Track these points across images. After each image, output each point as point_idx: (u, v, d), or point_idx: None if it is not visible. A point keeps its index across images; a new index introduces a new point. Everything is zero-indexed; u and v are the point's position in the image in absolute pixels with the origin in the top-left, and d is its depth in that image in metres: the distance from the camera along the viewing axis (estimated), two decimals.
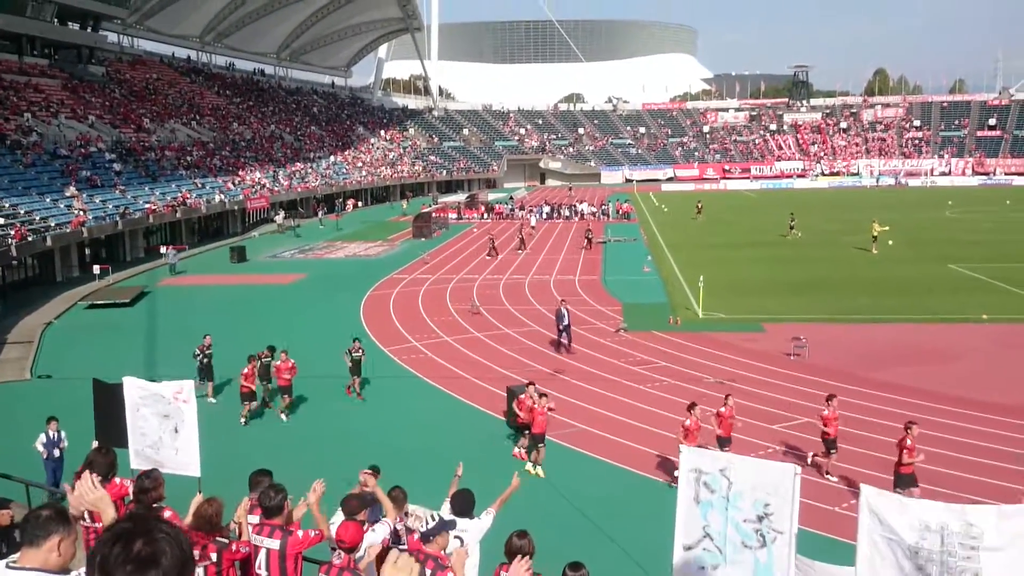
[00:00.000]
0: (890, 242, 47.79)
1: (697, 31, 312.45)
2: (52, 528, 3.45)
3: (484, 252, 50.12)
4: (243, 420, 20.28)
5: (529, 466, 17.00)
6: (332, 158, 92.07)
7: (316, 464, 16.94)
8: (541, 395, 17.53)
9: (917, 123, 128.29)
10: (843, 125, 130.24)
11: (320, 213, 71.26)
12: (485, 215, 74.10)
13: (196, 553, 7.00)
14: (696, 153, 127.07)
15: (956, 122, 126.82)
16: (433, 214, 66.11)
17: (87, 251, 46.83)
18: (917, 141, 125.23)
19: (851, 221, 61.17)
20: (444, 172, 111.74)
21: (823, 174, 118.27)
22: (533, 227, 61.68)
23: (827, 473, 16.57)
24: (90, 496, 4.05)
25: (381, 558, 7.39)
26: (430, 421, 20.36)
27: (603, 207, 74.02)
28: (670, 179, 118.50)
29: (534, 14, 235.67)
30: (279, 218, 65.92)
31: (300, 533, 7.24)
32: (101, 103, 65.43)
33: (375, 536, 7.85)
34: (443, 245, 55.00)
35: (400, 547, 8.04)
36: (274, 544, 7.17)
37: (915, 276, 39.05)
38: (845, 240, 51.90)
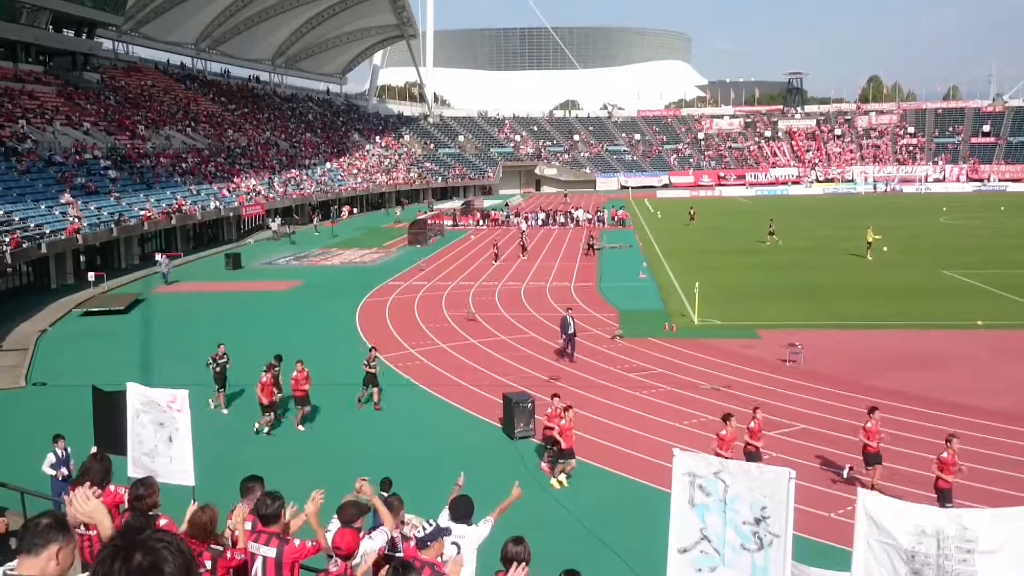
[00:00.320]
0: (885, 248, 47.94)
1: (692, 38, 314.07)
2: (51, 536, 3.44)
3: (482, 258, 50.17)
4: (257, 428, 19.97)
5: (554, 481, 16.72)
6: (327, 165, 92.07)
7: (312, 472, 16.91)
8: (566, 408, 17.16)
9: (911, 130, 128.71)
10: (837, 132, 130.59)
11: (315, 220, 71.25)
12: (481, 222, 74.20)
13: None
14: (691, 160, 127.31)
15: (950, 129, 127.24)
16: (428, 221, 66.11)
17: (82, 258, 46.71)
18: (911, 148, 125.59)
19: (846, 227, 61.32)
20: (439, 179, 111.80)
21: (818, 181, 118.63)
22: (524, 232, 61.64)
23: (872, 488, 15.16)
24: (86, 507, 4.05)
25: (378, 566, 7.39)
26: (426, 428, 20.33)
27: (598, 214, 74.09)
28: (665, 186, 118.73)
29: (529, 21, 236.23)
30: (275, 225, 65.88)
31: (297, 542, 7.23)
32: (96, 110, 65.38)
33: (372, 544, 7.83)
34: (439, 252, 55.00)
35: (396, 555, 8.03)
36: (270, 552, 7.14)
37: (910, 282, 39.14)
38: (840, 246, 52.01)
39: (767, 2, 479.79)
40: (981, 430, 18.83)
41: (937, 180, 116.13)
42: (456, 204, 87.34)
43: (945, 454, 14.31)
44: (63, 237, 42.24)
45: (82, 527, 7.59)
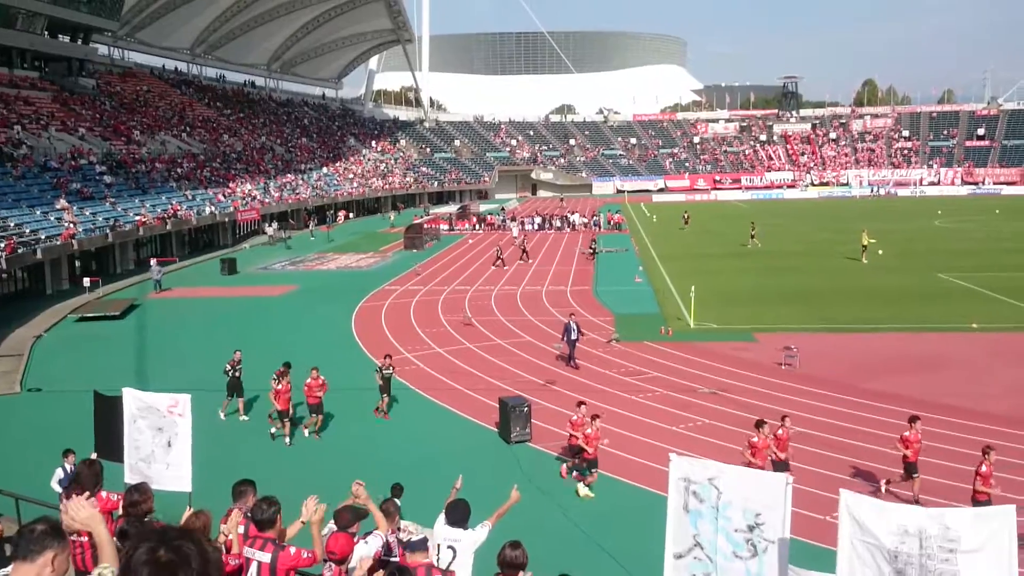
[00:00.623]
0: (880, 252, 48.04)
1: (687, 42, 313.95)
2: (47, 543, 3.44)
3: (478, 263, 50.22)
4: (273, 434, 19.88)
5: (583, 491, 16.44)
6: (323, 169, 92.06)
7: (306, 476, 16.89)
8: (593, 417, 16.88)
9: (906, 133, 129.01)
10: (832, 135, 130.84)
11: (311, 224, 71.22)
12: (477, 226, 74.24)
13: None
14: (687, 164, 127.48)
15: (945, 132, 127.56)
16: (425, 225, 66.11)
17: (77, 264, 46.66)
18: (906, 151, 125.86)
19: (841, 231, 61.44)
20: (435, 183, 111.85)
21: (813, 184, 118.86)
22: (516, 237, 61.78)
23: (916, 500, 15.07)
24: (81, 515, 4.04)
25: (373, 571, 7.38)
26: (422, 433, 20.31)
27: (594, 218, 74.16)
28: (661, 190, 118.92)
29: (525, 26, 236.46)
30: (270, 230, 65.84)
31: (293, 550, 7.20)
32: (91, 115, 65.32)
33: (367, 548, 7.82)
34: (434, 256, 55.00)
35: (392, 559, 8.02)
36: (265, 558, 7.12)
37: (905, 285, 39.20)
38: (836, 250, 52.10)
39: (762, 6, 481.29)
40: (977, 433, 18.84)
41: (932, 183, 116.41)
42: (452, 209, 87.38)
43: (984, 467, 14.08)
44: (58, 243, 42.18)
45: (75, 534, 7.59)
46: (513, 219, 74.81)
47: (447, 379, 24.82)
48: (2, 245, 37.44)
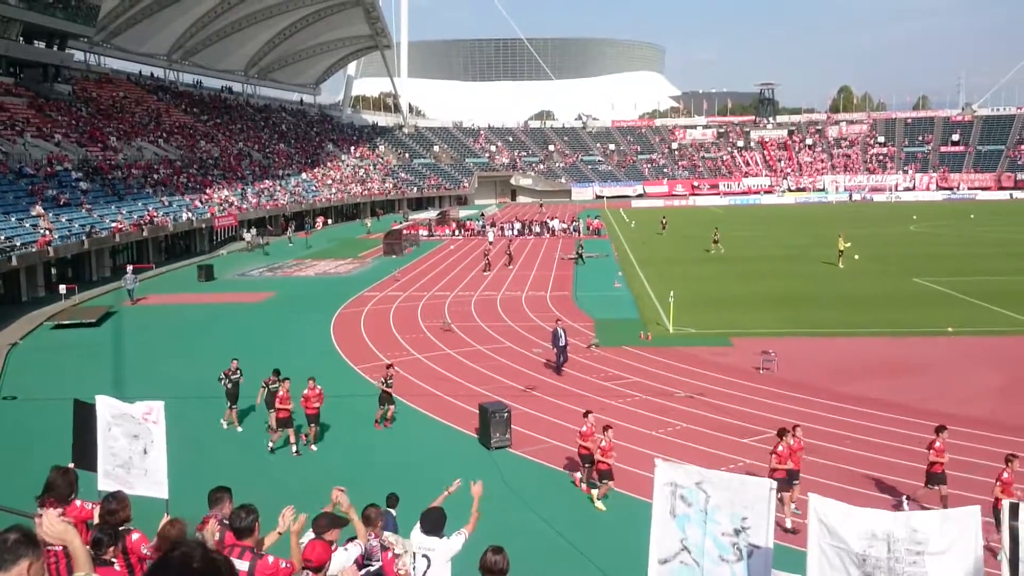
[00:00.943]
0: (856, 256, 48.43)
1: (665, 49, 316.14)
2: (21, 552, 3.41)
3: (457, 268, 50.24)
4: (272, 447, 19.44)
5: (598, 503, 16.17)
6: (301, 175, 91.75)
7: (284, 484, 16.82)
8: (606, 428, 16.53)
9: (881, 139, 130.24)
10: (809, 142, 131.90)
11: (289, 231, 70.93)
12: (456, 232, 74.23)
13: None
14: (665, 170, 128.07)
15: (920, 138, 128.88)
16: (404, 231, 66.02)
17: (53, 271, 46.21)
18: (882, 157, 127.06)
19: (818, 236, 61.89)
20: (415, 189, 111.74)
21: (790, 190, 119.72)
22: (491, 243, 61.87)
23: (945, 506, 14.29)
24: (55, 529, 4.01)
25: None
26: (401, 439, 20.24)
27: (574, 223, 74.35)
28: (640, 195, 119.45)
29: (504, 32, 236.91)
30: (249, 235, 65.52)
31: (271, 559, 7.15)
32: (67, 121, 64.81)
33: (346, 556, 7.79)
34: (414, 262, 54.92)
35: (374, 562, 8.00)
36: (243, 566, 7.07)
37: (882, 290, 39.54)
38: (812, 255, 52.47)
39: (739, 14, 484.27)
40: (953, 436, 18.96)
41: (907, 189, 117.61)
42: (431, 214, 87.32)
43: (1006, 474, 14.03)
44: (34, 249, 41.78)
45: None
46: (493, 224, 74.88)
47: (427, 385, 24.77)
48: None
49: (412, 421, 21.60)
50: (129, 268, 43.93)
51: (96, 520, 7.55)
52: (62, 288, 40.85)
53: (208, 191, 68.78)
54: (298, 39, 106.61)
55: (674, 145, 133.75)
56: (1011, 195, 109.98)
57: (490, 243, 61.96)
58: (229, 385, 21.30)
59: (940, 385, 23.73)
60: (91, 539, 6.73)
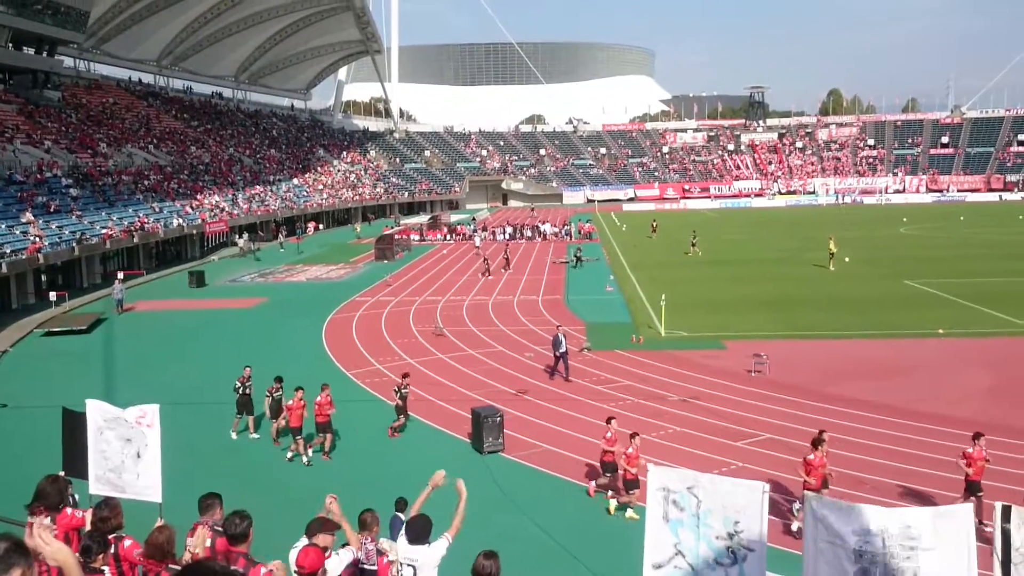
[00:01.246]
0: (847, 259, 48.60)
1: (655, 53, 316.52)
2: (13, 561, 3.40)
3: (449, 273, 50.27)
4: (292, 455, 19.07)
5: (630, 511, 15.58)
6: (292, 181, 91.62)
7: (275, 490, 16.79)
8: (633, 435, 15.98)
9: (871, 142, 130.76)
10: (799, 144, 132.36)
11: (281, 236, 70.83)
12: (448, 236, 74.25)
13: None
14: (656, 173, 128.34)
15: (909, 140, 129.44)
16: (395, 236, 65.99)
17: (43, 278, 46.05)
18: (871, 159, 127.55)
19: (809, 239, 62.09)
20: (406, 194, 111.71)
21: (780, 193, 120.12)
22: (478, 247, 61.86)
23: (982, 522, 12.60)
24: (47, 550, 3.99)
25: None
26: (393, 444, 20.22)
27: (565, 227, 74.42)
28: (631, 199, 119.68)
29: (494, 37, 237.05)
30: (242, 241, 65.39)
31: (264, 570, 7.11)
32: (57, 128, 64.61)
33: (338, 562, 7.78)
34: (406, 267, 54.89)
35: (369, 566, 7.99)
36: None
37: (872, 292, 39.68)
38: (803, 257, 52.62)
39: (728, 17, 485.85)
40: (945, 438, 19.09)
41: (897, 191, 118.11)
42: (423, 219, 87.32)
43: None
44: (24, 256, 41.59)
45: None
46: (484, 228, 74.94)
47: (419, 390, 24.70)
48: None
49: (405, 426, 21.56)
50: (120, 275, 43.77)
51: (88, 527, 7.53)
52: (52, 295, 40.70)
53: (199, 197, 68.62)
54: (289, 44, 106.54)
55: (665, 148, 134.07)
56: (1000, 197, 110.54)
57: (477, 247, 62.03)
58: (245, 392, 20.85)
59: (931, 386, 23.82)
60: (80, 547, 6.71)
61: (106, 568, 6.84)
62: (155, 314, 39.88)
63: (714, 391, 23.69)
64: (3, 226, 44.01)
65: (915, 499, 15.69)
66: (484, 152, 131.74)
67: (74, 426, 10.39)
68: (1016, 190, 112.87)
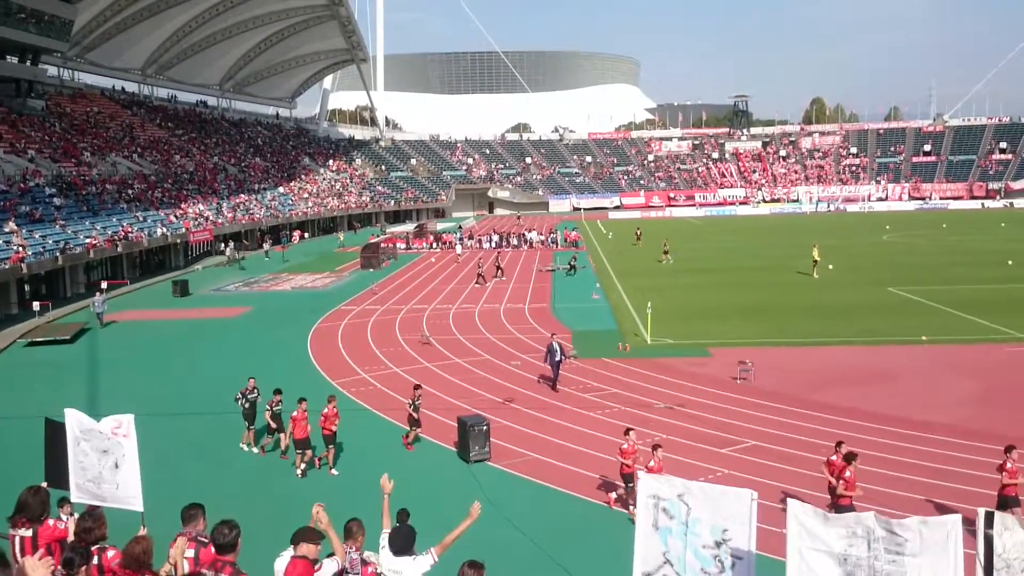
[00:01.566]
0: (830, 266, 48.85)
1: (640, 62, 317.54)
2: None
3: (435, 282, 50.23)
4: (304, 467, 18.68)
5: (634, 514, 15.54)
6: (277, 189, 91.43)
7: (260, 500, 16.70)
8: (655, 447, 15.75)
9: (854, 150, 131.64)
10: (782, 153, 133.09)
11: (266, 245, 70.60)
12: (434, 245, 74.23)
13: None
14: (641, 181, 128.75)
15: (892, 148, 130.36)
16: (381, 244, 65.92)
17: (26, 287, 45.74)
18: (854, 168, 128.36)
19: (793, 247, 62.37)
20: (392, 202, 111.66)
21: (764, 201, 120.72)
22: (460, 255, 61.81)
23: None
24: (36, 574, 3.97)
25: None
26: (379, 454, 20.13)
27: (551, 235, 74.53)
28: (617, 207, 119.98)
29: (480, 45, 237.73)
30: (228, 250, 65.14)
31: None
32: (41, 137, 64.27)
33: (322, 572, 7.74)
34: (392, 276, 54.80)
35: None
36: None
37: (856, 299, 39.87)
38: (788, 265, 52.85)
39: (712, 27, 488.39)
40: (929, 444, 19.20)
41: (880, 199, 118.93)
42: (409, 227, 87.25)
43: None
44: (7, 266, 41.33)
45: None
46: (471, 237, 74.94)
47: (405, 399, 24.64)
48: None
49: (389, 435, 21.50)
50: (103, 285, 43.49)
51: (71, 538, 7.48)
52: (36, 305, 40.43)
53: (183, 206, 68.38)
54: (274, 53, 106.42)
55: (650, 157, 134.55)
56: (983, 204, 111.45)
57: (459, 255, 62.05)
58: (247, 405, 20.57)
59: (915, 393, 23.94)
60: (63, 559, 6.67)
61: None
62: (139, 324, 39.65)
63: (700, 398, 23.73)
64: None
65: (902, 506, 15.74)
66: (470, 160, 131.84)
67: (56, 436, 10.33)
68: (998, 198, 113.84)
